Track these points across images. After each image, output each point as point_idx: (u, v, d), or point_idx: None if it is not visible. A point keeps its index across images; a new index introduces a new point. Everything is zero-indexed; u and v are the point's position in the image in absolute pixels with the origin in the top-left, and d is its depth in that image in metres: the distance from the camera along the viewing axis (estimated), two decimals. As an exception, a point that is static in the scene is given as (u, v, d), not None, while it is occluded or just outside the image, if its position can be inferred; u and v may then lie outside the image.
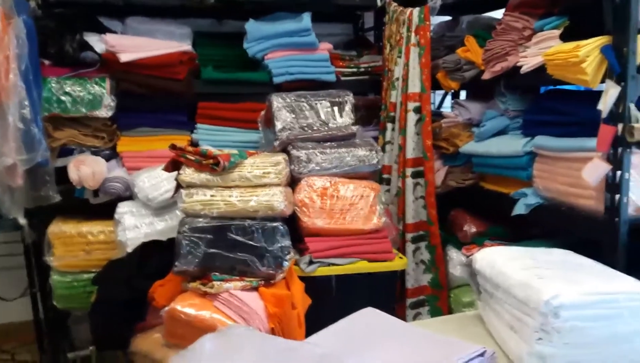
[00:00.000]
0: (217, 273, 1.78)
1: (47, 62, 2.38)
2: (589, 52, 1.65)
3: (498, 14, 2.69)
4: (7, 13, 2.16)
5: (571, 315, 1.17)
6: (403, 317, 2.44)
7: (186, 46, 2.55)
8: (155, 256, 1.98)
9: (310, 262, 1.97)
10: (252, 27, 2.63)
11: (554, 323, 1.16)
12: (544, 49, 1.89)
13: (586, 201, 1.81)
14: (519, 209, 2.04)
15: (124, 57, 2.36)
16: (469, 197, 2.49)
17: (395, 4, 2.65)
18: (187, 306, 1.70)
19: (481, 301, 1.50)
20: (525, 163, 2.07)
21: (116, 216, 2.22)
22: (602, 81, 1.70)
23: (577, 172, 1.79)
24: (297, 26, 2.62)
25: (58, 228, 2.32)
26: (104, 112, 2.38)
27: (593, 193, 1.77)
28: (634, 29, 1.60)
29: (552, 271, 1.32)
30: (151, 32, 2.58)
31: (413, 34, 2.45)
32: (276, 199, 1.84)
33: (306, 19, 2.62)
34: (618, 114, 1.65)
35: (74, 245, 2.31)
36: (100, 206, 2.37)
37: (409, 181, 2.44)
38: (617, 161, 1.67)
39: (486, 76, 2.22)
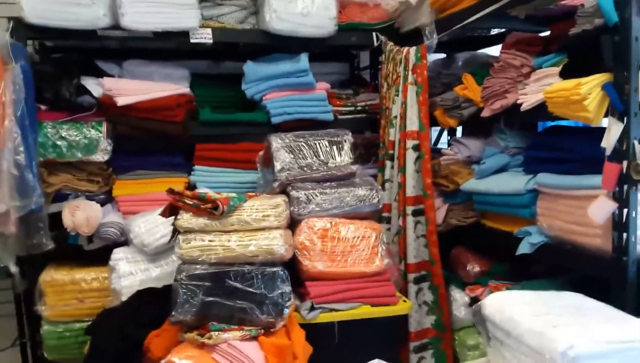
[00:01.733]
0: (215, 323, 1.72)
1: (43, 107, 2.37)
2: (591, 89, 1.64)
3: (493, 50, 2.72)
4: (4, 59, 2.16)
5: (588, 365, 1.11)
6: (406, 361, 2.36)
7: (184, 88, 2.55)
8: (151, 305, 1.92)
9: (312, 308, 1.90)
10: (250, 68, 2.64)
11: (571, 374, 1.11)
12: (544, 86, 1.88)
13: (592, 239, 1.77)
14: (524, 248, 2.00)
15: (121, 101, 2.36)
16: (470, 235, 2.45)
17: (391, 43, 2.66)
18: (185, 359, 1.63)
19: (491, 347, 1.44)
20: (527, 201, 2.03)
21: (111, 262, 2.16)
22: (604, 117, 1.68)
23: (582, 210, 1.76)
24: (294, 67, 2.63)
25: (50, 276, 2.26)
26: (100, 156, 2.35)
27: (599, 231, 1.73)
28: (636, 66, 1.60)
29: (564, 318, 1.27)
30: (148, 75, 2.58)
31: (410, 73, 2.46)
32: (276, 243, 1.79)
33: (303, 60, 2.63)
34: (622, 151, 1.63)
35: (66, 293, 2.24)
36: (95, 252, 2.32)
37: (410, 220, 2.40)
38: (623, 199, 1.64)
39: (486, 113, 2.21)
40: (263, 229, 1.83)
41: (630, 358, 1.13)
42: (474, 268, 2.35)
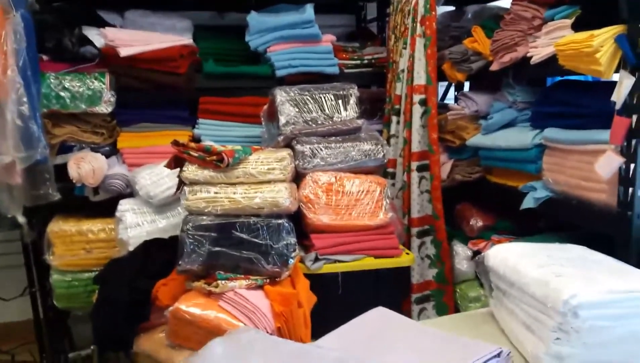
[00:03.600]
0: (221, 272, 1.75)
1: (45, 57, 2.33)
2: (603, 41, 1.60)
3: (504, 3, 2.65)
4: (5, 8, 2.11)
5: (590, 314, 1.13)
6: (408, 312, 2.41)
7: (187, 40, 2.50)
8: (158, 255, 1.95)
9: (316, 259, 1.93)
10: (254, 19, 2.58)
11: (572, 323, 1.12)
12: (555, 39, 1.84)
13: (598, 194, 1.76)
14: (528, 202, 2.00)
15: (123, 52, 2.32)
16: (475, 191, 2.45)
17: (399, -6, 2.59)
18: (192, 306, 1.66)
19: (493, 298, 1.46)
20: (534, 155, 2.02)
21: (117, 214, 2.18)
22: (616, 71, 1.65)
23: (589, 165, 1.75)
24: (299, 18, 2.57)
25: (58, 227, 2.28)
26: (104, 108, 2.33)
27: (605, 186, 1.73)
28: (650, 18, 1.55)
29: (569, 269, 1.27)
30: (151, 26, 2.54)
31: (419, 25, 2.40)
32: (281, 195, 1.80)
33: (309, 11, 2.57)
34: (632, 106, 1.61)
35: (74, 243, 2.27)
36: (101, 204, 2.34)
37: (415, 175, 2.40)
38: (631, 154, 1.63)
39: (495, 67, 2.17)
40: (268, 182, 1.83)
41: (632, 308, 1.14)
42: (477, 222, 2.36)
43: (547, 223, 2.21)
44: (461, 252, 2.42)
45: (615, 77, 1.67)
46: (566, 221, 2.03)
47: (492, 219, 2.39)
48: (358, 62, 2.79)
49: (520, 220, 2.26)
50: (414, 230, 2.41)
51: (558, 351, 1.14)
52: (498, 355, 1.14)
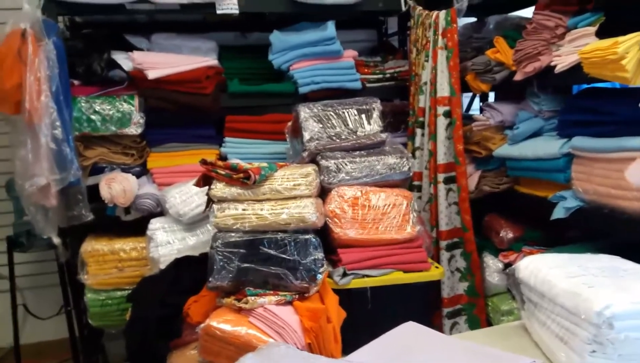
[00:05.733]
0: (250, 288, 1.76)
1: (76, 82, 2.42)
2: (629, 48, 1.59)
3: (526, 12, 2.64)
4: (38, 36, 2.21)
5: (625, 325, 1.10)
6: (440, 327, 2.38)
7: (212, 60, 2.56)
8: (189, 272, 1.98)
9: (344, 274, 1.93)
10: (277, 38, 2.63)
11: (607, 335, 1.10)
12: (579, 46, 1.83)
13: (630, 202, 1.73)
14: (559, 213, 1.97)
15: (151, 74, 2.38)
16: (503, 202, 2.42)
17: (420, 7, 2.61)
18: (223, 323, 1.68)
19: (525, 311, 1.44)
20: (563, 165, 1.99)
21: (148, 232, 2.22)
22: (644, 78, 1.63)
23: (618, 173, 1.72)
24: (321, 35, 2.61)
25: (91, 246, 2.34)
26: (133, 130, 2.40)
27: (636, 194, 1.70)
28: (677, 22, 1.54)
29: (601, 279, 1.25)
30: (177, 48, 2.60)
31: (440, 37, 2.41)
32: (307, 211, 1.81)
33: (330, 28, 2.60)
34: (662, 112, 1.58)
35: (106, 262, 2.32)
36: (132, 224, 2.39)
37: (441, 187, 2.39)
38: (662, 161, 1.60)
39: (518, 76, 2.16)
40: (294, 197, 1.85)
41: (669, 319, 1.12)
42: (507, 234, 2.33)
43: (578, 233, 2.17)
44: (492, 264, 2.39)
45: (643, 83, 1.65)
46: (597, 230, 1.99)
47: (522, 231, 2.36)
48: (380, 76, 2.81)
49: (550, 230, 2.23)
50: (443, 243, 2.39)
51: (594, 363, 1.12)
52: (531, 367, 1.12)
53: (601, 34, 1.77)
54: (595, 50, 1.70)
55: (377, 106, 2.30)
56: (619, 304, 1.11)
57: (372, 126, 2.25)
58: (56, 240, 2.20)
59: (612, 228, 1.86)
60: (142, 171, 2.49)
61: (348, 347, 1.33)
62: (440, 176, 2.39)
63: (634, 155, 1.66)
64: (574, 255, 1.48)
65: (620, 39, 1.62)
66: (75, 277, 2.35)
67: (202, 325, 1.69)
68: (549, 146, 2.06)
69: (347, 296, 1.89)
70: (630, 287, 1.20)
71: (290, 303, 1.77)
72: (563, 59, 1.93)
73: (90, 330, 2.43)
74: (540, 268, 1.38)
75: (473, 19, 2.85)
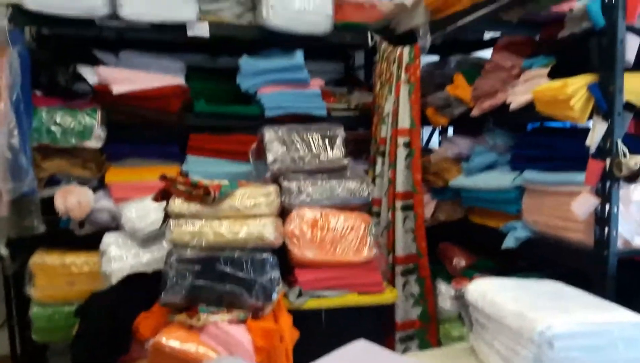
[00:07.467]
0: (204, 305, 1.74)
1: (39, 92, 2.39)
2: (577, 89, 1.69)
3: (486, 54, 2.77)
4: (2, 44, 2.19)
5: (565, 345, 1.15)
6: (392, 351, 2.39)
7: (179, 80, 2.57)
8: (140, 288, 1.94)
9: (300, 294, 1.93)
10: (246, 62, 2.67)
11: (548, 354, 1.14)
12: (532, 86, 1.93)
13: (575, 234, 1.81)
14: (509, 242, 2.04)
15: (116, 89, 2.37)
16: (457, 230, 2.50)
17: (386, 42, 2.71)
18: (173, 339, 1.66)
19: (473, 333, 1.48)
20: (514, 197, 2.08)
21: (102, 246, 2.17)
22: (590, 117, 1.73)
23: (566, 206, 1.80)
24: (289, 62, 2.67)
25: (41, 259, 2.26)
26: (94, 143, 2.36)
27: (582, 226, 1.78)
28: (620, 68, 1.64)
29: (544, 302, 1.31)
30: (145, 66, 2.59)
31: (403, 72, 2.50)
32: (266, 230, 1.82)
33: (299, 56, 2.66)
34: (606, 149, 1.68)
35: (57, 276, 2.25)
36: (86, 238, 2.33)
37: (399, 214, 2.44)
38: (605, 195, 1.69)
39: (475, 112, 2.26)
40: (254, 216, 1.86)
41: (606, 339, 1.17)
42: (460, 262, 2.39)
43: (528, 262, 2.25)
44: (444, 291, 2.43)
45: (590, 122, 1.75)
46: (545, 259, 2.07)
47: (474, 259, 2.42)
48: (345, 106, 2.87)
49: (501, 259, 2.29)
50: (399, 268, 2.43)
51: (534, 382, 1.16)
52: (476, 385, 1.15)
53: (553, 75, 1.87)
54: (547, 89, 1.81)
55: (340, 132, 2.36)
56: (560, 325, 1.16)
57: (334, 152, 2.30)
58: (3, 251, 2.13)
59: (560, 258, 1.93)
60: (100, 185, 2.45)
61: (300, 367, 1.33)
62: (399, 203, 2.45)
63: (580, 189, 1.74)
64: (521, 280, 1.54)
65: (570, 80, 1.72)
66: (21, 290, 2.26)
67: (152, 341, 1.65)
68: (501, 178, 2.15)
69: (301, 317, 1.89)
70: (573, 310, 1.26)
71: (243, 321, 1.76)
72: (517, 97, 2.03)
73: (34, 346, 2.33)
74: (488, 290, 1.43)
75: (437, 57, 2.97)
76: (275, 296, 1.79)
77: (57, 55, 2.48)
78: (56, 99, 2.41)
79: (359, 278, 2.01)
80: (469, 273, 2.31)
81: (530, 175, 2.01)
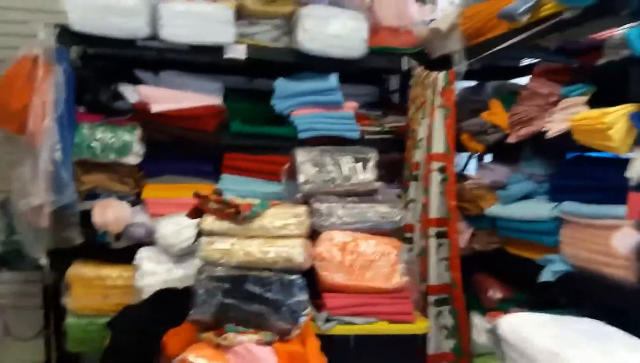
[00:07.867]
0: (231, 325, 1.75)
1: (82, 109, 2.47)
2: (616, 119, 1.64)
3: (523, 81, 2.73)
4: (49, 62, 2.29)
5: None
6: (424, 384, 2.34)
7: (216, 100, 2.62)
8: (171, 304, 1.96)
9: (328, 320, 1.91)
10: (281, 84, 2.71)
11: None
12: (570, 115, 1.89)
13: (616, 269, 1.74)
14: (546, 276, 1.97)
15: (154, 108, 2.44)
16: (493, 261, 2.43)
17: (421, 67, 2.70)
18: (199, 357, 1.66)
19: (505, 369, 1.43)
20: (552, 228, 2.01)
21: (136, 261, 2.22)
22: (632, 149, 1.68)
23: (606, 239, 1.74)
24: (323, 85, 2.69)
25: (78, 271, 2.32)
26: (132, 159, 2.43)
27: (623, 261, 1.71)
28: (663, 97, 1.60)
29: (582, 342, 1.26)
30: (184, 86, 2.66)
31: (438, 96, 2.49)
32: (295, 251, 1.82)
33: (333, 79, 2.68)
34: (648, 182, 1.62)
35: (92, 288, 2.30)
36: (121, 251, 2.38)
37: (432, 241, 2.40)
38: (648, 230, 1.63)
39: (511, 139, 2.22)
40: (284, 237, 1.86)
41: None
42: (495, 294, 2.32)
43: (566, 297, 2.17)
44: (479, 324, 2.36)
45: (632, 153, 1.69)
46: (583, 295, 2.00)
47: (510, 291, 2.35)
48: (379, 129, 2.87)
49: (538, 293, 2.22)
50: (432, 298, 2.37)
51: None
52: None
53: (591, 104, 1.83)
54: (585, 118, 1.77)
55: (373, 155, 2.34)
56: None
57: (366, 175, 2.29)
58: (43, 261, 2.19)
59: (599, 294, 1.86)
60: (137, 201, 2.51)
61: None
62: (432, 230, 2.40)
63: (621, 223, 1.69)
64: (557, 316, 1.49)
65: (609, 110, 1.68)
66: (58, 300, 2.31)
67: (179, 358, 1.66)
68: (539, 208, 2.09)
69: (329, 342, 1.86)
70: (610, 351, 1.21)
71: (270, 343, 1.75)
72: (555, 125, 1.99)
73: (67, 356, 2.38)
74: (522, 325, 1.38)
75: (473, 83, 2.95)
76: (302, 319, 1.78)
77: (100, 73, 2.57)
78: (98, 115, 2.49)
79: (388, 306, 1.97)
80: (504, 307, 2.25)
81: (569, 206, 1.95)
